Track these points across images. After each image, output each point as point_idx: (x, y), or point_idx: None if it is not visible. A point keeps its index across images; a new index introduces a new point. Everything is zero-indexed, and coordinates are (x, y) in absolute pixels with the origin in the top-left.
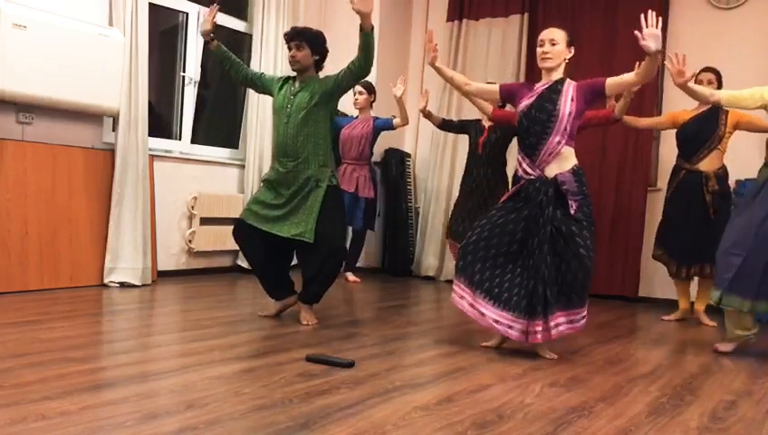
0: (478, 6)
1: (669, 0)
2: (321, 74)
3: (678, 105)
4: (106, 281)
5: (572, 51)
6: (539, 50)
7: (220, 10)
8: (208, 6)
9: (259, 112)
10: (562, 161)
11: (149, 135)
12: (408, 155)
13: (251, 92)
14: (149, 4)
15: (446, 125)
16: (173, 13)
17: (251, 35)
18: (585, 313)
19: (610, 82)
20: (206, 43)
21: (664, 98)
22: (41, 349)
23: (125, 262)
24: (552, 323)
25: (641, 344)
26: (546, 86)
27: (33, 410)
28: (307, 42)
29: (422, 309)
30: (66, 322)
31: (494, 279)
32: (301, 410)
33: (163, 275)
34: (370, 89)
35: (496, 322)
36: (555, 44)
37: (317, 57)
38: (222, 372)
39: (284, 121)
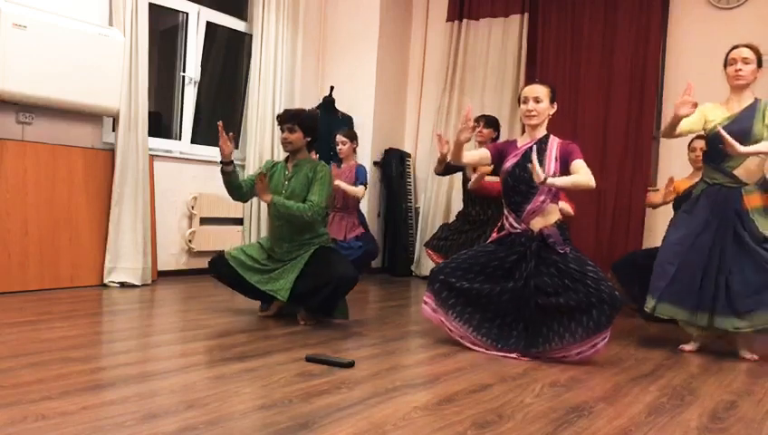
0: (478, 6)
1: (669, 0)
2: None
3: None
4: (106, 281)
5: (555, 106)
6: (523, 107)
7: (220, 10)
8: (208, 7)
9: (259, 112)
10: (547, 215)
11: (149, 135)
12: (408, 155)
13: (251, 93)
14: (149, 4)
15: (446, 169)
16: (173, 13)
17: (251, 35)
18: (607, 335)
19: (573, 166)
20: (223, 165)
21: (663, 107)
22: (41, 349)
23: (125, 262)
24: (573, 353)
25: (641, 344)
26: (530, 145)
27: (33, 410)
28: (299, 125)
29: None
30: (66, 322)
31: (467, 307)
32: (301, 410)
33: (163, 275)
34: (352, 137)
35: (473, 343)
36: (539, 102)
37: (309, 138)
38: (222, 372)
39: None
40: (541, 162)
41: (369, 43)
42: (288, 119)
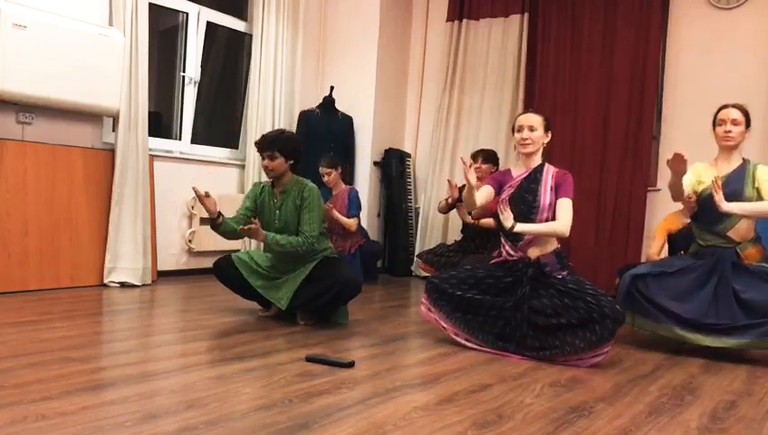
0: (478, 6)
1: (669, 0)
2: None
3: (677, 117)
4: (106, 281)
5: (549, 135)
6: (517, 135)
7: (220, 10)
8: (208, 7)
9: (259, 112)
10: (544, 244)
11: (149, 135)
12: (408, 155)
13: (251, 92)
14: (149, 4)
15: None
16: (173, 13)
17: (251, 35)
18: (609, 347)
19: (558, 204)
20: (212, 220)
21: (663, 107)
22: (41, 349)
23: (125, 262)
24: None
25: (641, 344)
26: (525, 175)
27: (33, 410)
28: (279, 151)
29: None
30: (66, 322)
31: (456, 311)
32: (301, 410)
33: (163, 275)
34: (335, 164)
35: (467, 340)
36: (534, 130)
37: (292, 161)
38: (222, 372)
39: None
40: (536, 193)
41: (369, 43)
42: (267, 146)
